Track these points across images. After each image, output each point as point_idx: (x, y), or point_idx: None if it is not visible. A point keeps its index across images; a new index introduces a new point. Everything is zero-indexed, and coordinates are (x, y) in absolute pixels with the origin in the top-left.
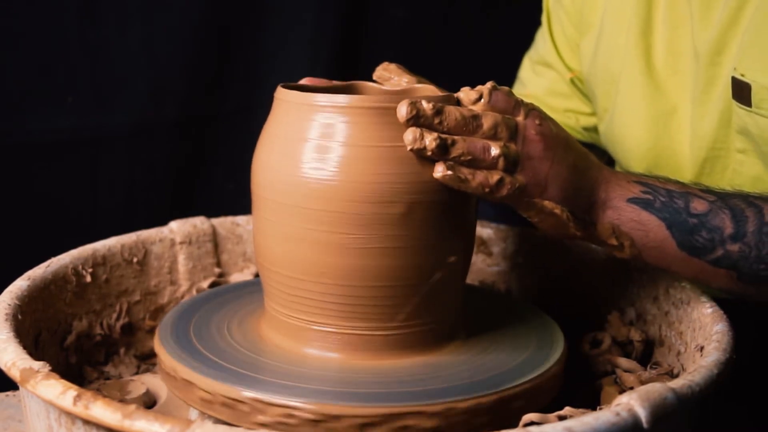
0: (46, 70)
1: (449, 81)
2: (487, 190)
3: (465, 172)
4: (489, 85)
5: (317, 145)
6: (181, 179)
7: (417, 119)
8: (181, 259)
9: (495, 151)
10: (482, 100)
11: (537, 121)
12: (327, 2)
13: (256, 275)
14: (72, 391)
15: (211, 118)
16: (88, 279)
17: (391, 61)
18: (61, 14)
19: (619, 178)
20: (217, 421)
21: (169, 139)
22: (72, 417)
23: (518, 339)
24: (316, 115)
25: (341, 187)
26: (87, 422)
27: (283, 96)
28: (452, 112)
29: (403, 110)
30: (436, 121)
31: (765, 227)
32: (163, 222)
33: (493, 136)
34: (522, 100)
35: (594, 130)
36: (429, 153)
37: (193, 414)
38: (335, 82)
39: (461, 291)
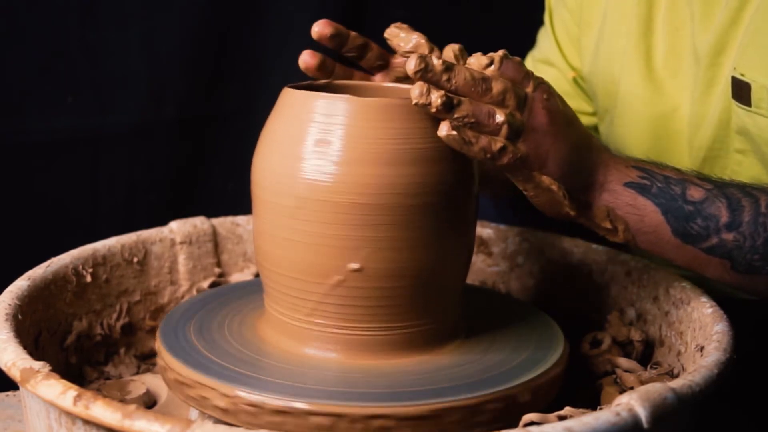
0: (46, 70)
1: None
2: (488, 155)
3: (469, 134)
4: (501, 52)
5: (318, 145)
6: (181, 179)
7: (425, 73)
8: (182, 259)
9: (500, 117)
10: (493, 66)
11: (545, 95)
12: (326, 2)
13: (256, 275)
14: (72, 391)
15: (211, 118)
16: (88, 279)
17: None
18: (62, 14)
19: (617, 161)
20: (217, 421)
21: (169, 139)
22: (72, 417)
23: (518, 339)
24: (317, 116)
25: (342, 188)
26: (87, 422)
27: (284, 96)
28: (462, 71)
29: (411, 63)
30: (445, 77)
31: (761, 217)
32: (163, 222)
33: (501, 102)
34: (532, 72)
35: (595, 129)
36: (433, 110)
37: (193, 414)
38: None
39: (461, 291)
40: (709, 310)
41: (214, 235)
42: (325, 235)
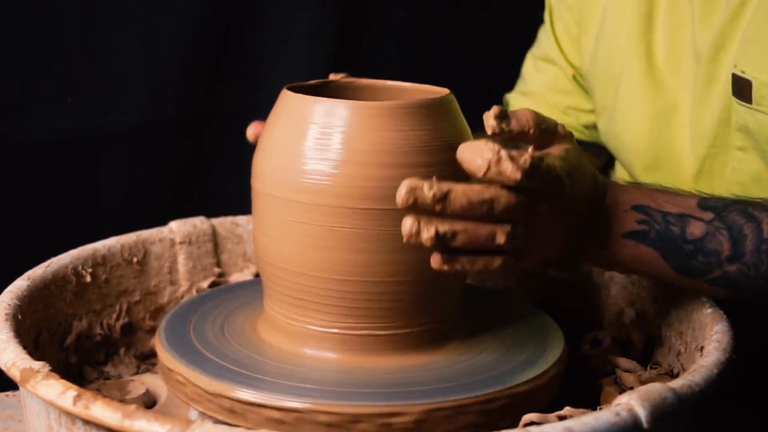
0: (46, 70)
1: (449, 81)
2: (485, 273)
3: (464, 261)
4: (529, 160)
5: (317, 146)
6: (181, 179)
7: (415, 207)
8: (181, 259)
9: (501, 238)
10: (518, 177)
11: (557, 189)
12: (326, 2)
13: (256, 275)
14: (72, 391)
15: (211, 118)
16: (88, 279)
17: (390, 61)
18: (62, 14)
19: (616, 207)
20: (217, 421)
21: (169, 139)
22: (72, 417)
23: (518, 339)
24: (316, 119)
25: (341, 189)
26: (87, 422)
27: (283, 98)
28: (459, 198)
29: (400, 196)
30: (438, 207)
31: (763, 244)
32: (163, 222)
33: (503, 218)
34: (552, 170)
35: (594, 127)
36: (426, 246)
37: (193, 414)
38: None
39: (461, 291)
40: (709, 310)
41: (214, 235)
42: (325, 236)
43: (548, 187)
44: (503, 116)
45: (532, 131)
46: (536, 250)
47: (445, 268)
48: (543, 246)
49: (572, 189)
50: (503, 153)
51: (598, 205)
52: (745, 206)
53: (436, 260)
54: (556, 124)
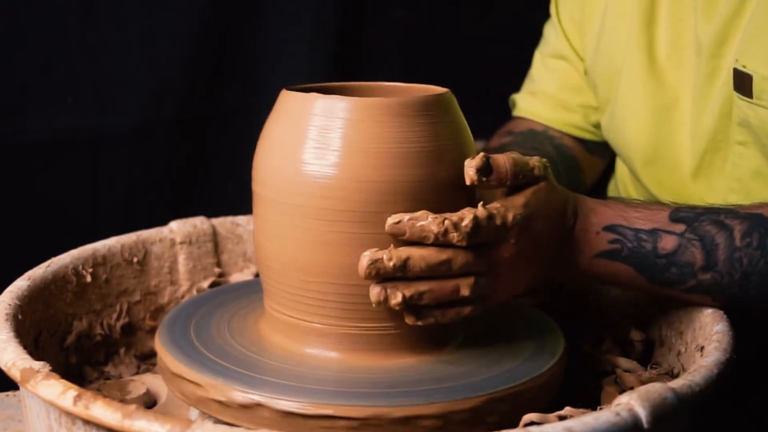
0: (46, 70)
1: (449, 81)
2: (458, 320)
3: (436, 314)
4: (470, 225)
5: (317, 145)
6: (181, 179)
7: (377, 276)
8: (181, 259)
9: (465, 291)
10: (464, 243)
11: (523, 236)
12: (327, 2)
13: (256, 275)
14: (72, 391)
15: (211, 118)
16: (88, 279)
17: (390, 61)
18: (62, 14)
19: (588, 232)
20: (217, 421)
21: (169, 139)
22: (72, 417)
23: (518, 339)
24: (317, 116)
25: (341, 187)
26: (87, 422)
27: (284, 96)
28: (418, 264)
29: (362, 268)
30: (399, 275)
31: (736, 252)
32: (163, 222)
33: (465, 273)
34: (505, 222)
35: (598, 125)
36: (397, 309)
37: (193, 414)
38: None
39: None
40: (709, 310)
41: (214, 235)
42: (325, 235)
43: (507, 235)
44: (484, 170)
45: (509, 183)
46: (504, 288)
47: (419, 324)
48: (511, 283)
49: (536, 229)
50: (447, 223)
51: (568, 235)
52: (717, 215)
53: (409, 319)
54: (532, 168)
